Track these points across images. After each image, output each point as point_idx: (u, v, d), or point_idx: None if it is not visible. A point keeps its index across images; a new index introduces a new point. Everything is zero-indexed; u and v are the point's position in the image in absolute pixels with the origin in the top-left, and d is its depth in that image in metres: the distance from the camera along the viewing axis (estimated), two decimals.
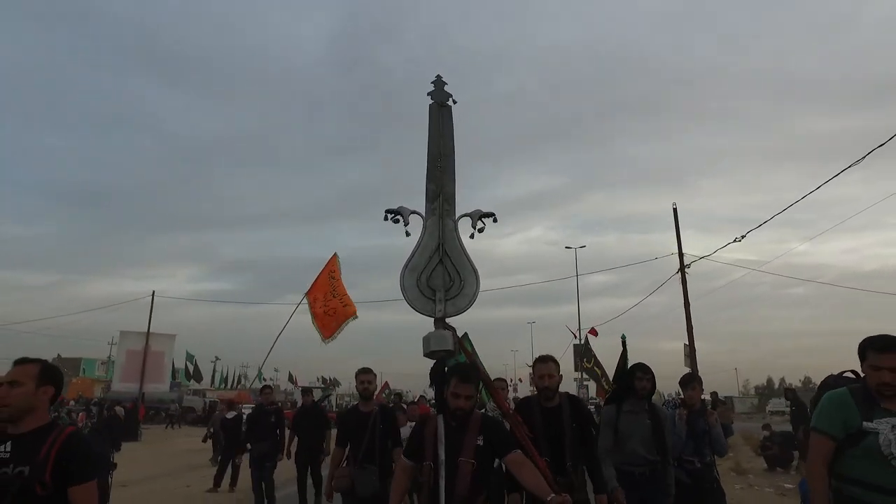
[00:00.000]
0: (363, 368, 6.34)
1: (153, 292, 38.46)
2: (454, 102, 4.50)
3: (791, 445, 15.49)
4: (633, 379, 5.28)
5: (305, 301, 10.01)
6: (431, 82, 4.54)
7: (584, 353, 16.53)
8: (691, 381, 6.25)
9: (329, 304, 9.61)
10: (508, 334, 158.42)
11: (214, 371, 70.92)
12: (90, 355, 70.46)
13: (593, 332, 27.64)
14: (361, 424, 5.94)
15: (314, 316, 9.66)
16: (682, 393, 6.32)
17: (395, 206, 4.19)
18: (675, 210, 25.34)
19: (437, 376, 3.91)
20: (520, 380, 53.45)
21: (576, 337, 35.82)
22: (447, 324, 3.97)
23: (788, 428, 16.38)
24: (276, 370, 71.57)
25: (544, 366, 4.83)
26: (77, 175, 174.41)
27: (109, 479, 5.67)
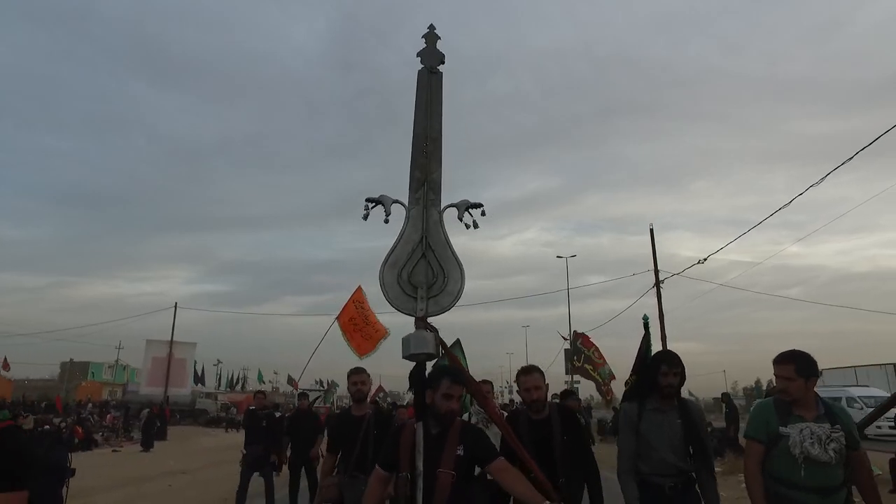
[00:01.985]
0: (356, 368, 5.43)
1: (175, 304, 38.14)
2: (443, 63, 3.70)
3: (725, 441, 17.06)
4: (656, 373, 3.84)
5: (336, 324, 10.62)
6: (423, 36, 3.70)
7: (574, 352, 15.49)
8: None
9: (364, 330, 10.32)
10: (503, 336, 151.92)
11: (221, 375, 67.91)
12: (95, 359, 67.58)
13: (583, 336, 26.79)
14: (353, 430, 5.02)
15: (349, 339, 10.31)
16: None
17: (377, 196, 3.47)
18: (651, 231, 26.08)
19: (417, 381, 3.23)
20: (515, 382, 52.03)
21: (566, 340, 34.96)
22: (429, 324, 3.27)
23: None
24: (275, 373, 69.31)
25: (529, 377, 4.13)
26: (73, 177, 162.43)
27: (64, 490, 4.72)
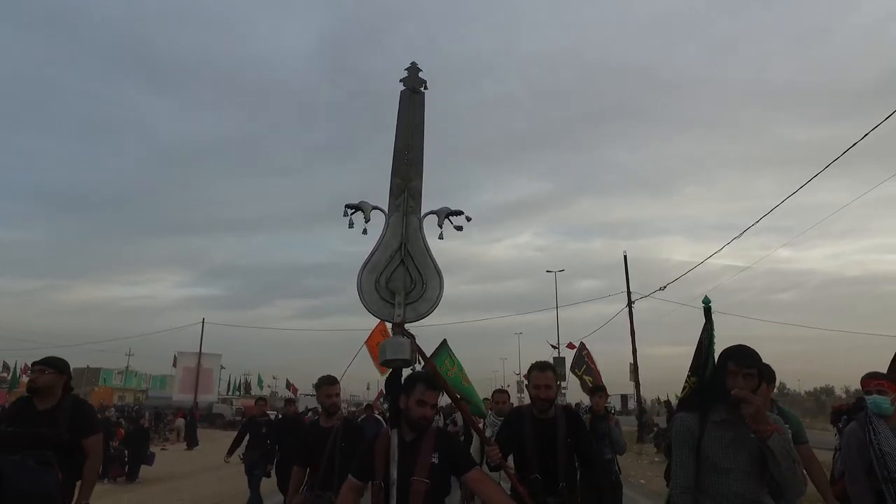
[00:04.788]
0: (328, 378, 4.51)
1: (203, 319, 37.93)
2: (426, 89, 3.38)
3: (667, 439, 18.14)
4: (723, 374, 2.53)
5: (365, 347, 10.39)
6: (405, 69, 3.39)
7: (577, 361, 14.89)
8: (598, 391, 6.32)
9: None
10: (497, 341, 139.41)
11: (229, 381, 63.63)
12: (103, 365, 62.70)
13: (571, 346, 26.34)
14: (321, 442, 4.23)
15: (374, 359, 9.93)
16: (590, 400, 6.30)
17: (359, 202, 3.05)
18: (625, 257, 26.34)
19: (392, 387, 2.83)
20: (508, 386, 50.69)
21: (555, 349, 34.27)
22: (406, 331, 2.87)
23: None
24: (274, 378, 65.95)
25: (542, 374, 3.61)
26: (65, 179, 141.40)
27: None
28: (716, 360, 2.83)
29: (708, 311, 3.27)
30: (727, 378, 2.47)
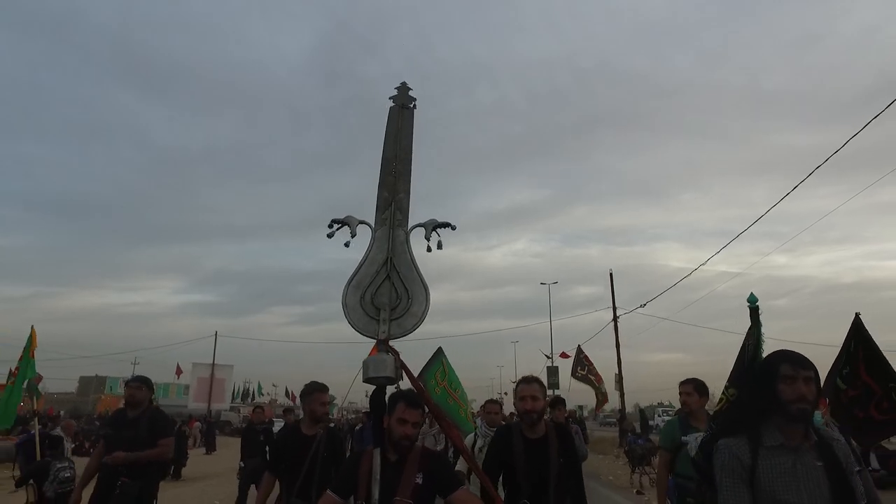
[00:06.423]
0: (319, 385, 4.05)
1: (216, 332, 37.69)
2: (415, 107, 3.22)
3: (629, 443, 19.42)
4: (774, 381, 1.97)
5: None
6: (395, 88, 3.26)
7: (577, 363, 14.57)
8: (557, 403, 6.50)
9: None
10: (494, 348, 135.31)
11: (232, 389, 63.35)
12: (103, 373, 59.70)
13: (564, 355, 26.01)
14: (302, 450, 3.80)
15: None
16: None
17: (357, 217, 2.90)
18: (611, 275, 26.35)
19: (376, 405, 2.65)
20: (504, 393, 49.19)
21: (548, 359, 33.77)
22: (390, 347, 2.68)
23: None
24: (274, 385, 63.70)
25: (527, 386, 3.27)
26: (58, 185, 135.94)
27: None
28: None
29: (755, 313, 2.54)
30: (779, 384, 1.95)
